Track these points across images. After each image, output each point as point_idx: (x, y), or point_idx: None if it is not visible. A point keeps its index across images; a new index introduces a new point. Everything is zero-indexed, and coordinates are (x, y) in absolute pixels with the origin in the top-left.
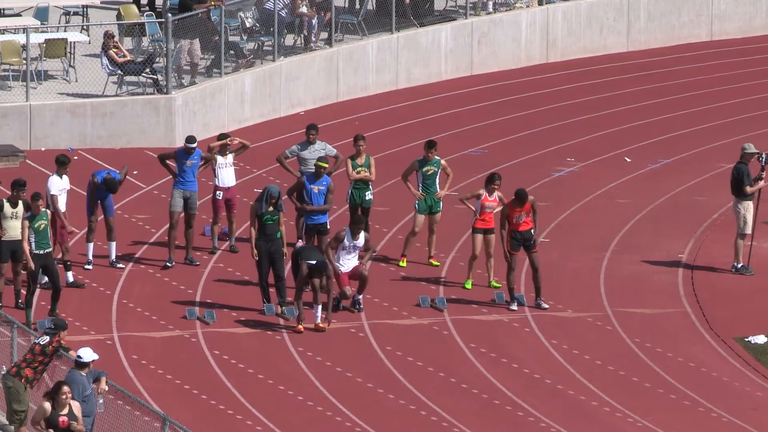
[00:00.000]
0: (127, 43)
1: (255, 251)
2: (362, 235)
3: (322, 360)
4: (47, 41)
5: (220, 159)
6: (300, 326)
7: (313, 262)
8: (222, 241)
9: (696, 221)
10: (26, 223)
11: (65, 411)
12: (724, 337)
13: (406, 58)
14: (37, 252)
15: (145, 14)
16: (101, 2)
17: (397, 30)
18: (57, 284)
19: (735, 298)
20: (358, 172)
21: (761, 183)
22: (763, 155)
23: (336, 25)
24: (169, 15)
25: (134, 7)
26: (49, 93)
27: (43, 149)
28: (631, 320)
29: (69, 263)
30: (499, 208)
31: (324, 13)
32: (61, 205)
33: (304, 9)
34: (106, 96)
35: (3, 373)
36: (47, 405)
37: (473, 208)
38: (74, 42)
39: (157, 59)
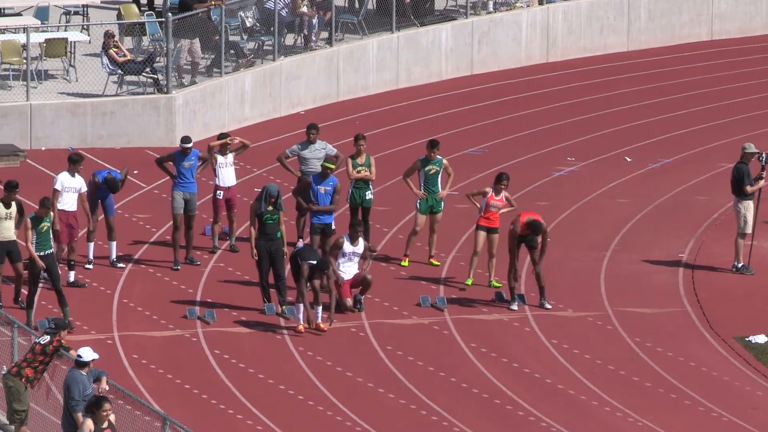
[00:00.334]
0: (128, 42)
1: (255, 251)
2: (361, 241)
3: (322, 360)
4: (47, 41)
5: (220, 158)
6: (300, 326)
7: (314, 262)
8: (222, 241)
9: (696, 221)
10: (29, 223)
11: (106, 425)
12: (725, 336)
13: (407, 58)
14: (37, 253)
15: (145, 14)
16: (101, 2)
17: (397, 29)
18: (57, 286)
19: (735, 298)
20: (359, 172)
21: (761, 182)
22: (764, 155)
23: (336, 24)
24: (170, 14)
25: (134, 7)
26: (50, 92)
27: (43, 149)
28: (631, 320)
29: (72, 263)
30: (505, 209)
31: (324, 13)
32: (72, 206)
33: (304, 9)
34: (107, 95)
35: (4, 372)
36: (89, 422)
37: (478, 206)
38: (74, 41)
39: (158, 59)
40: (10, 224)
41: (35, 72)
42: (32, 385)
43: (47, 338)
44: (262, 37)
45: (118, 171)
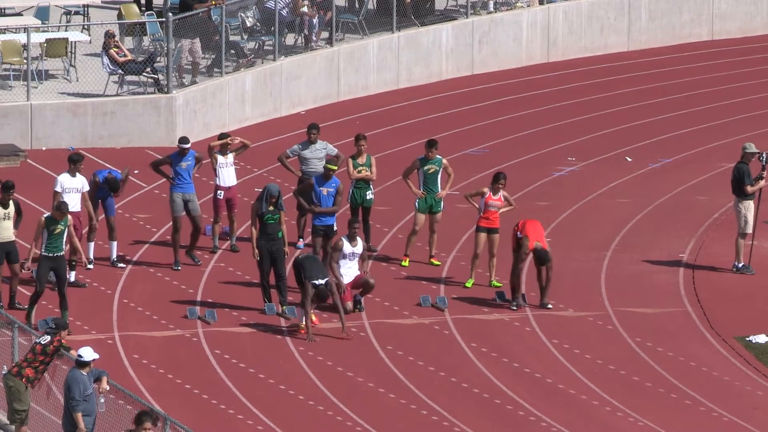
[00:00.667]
0: (128, 42)
1: (256, 251)
2: (360, 240)
3: (323, 360)
4: (48, 41)
5: (220, 158)
6: (302, 329)
7: (318, 282)
8: (223, 241)
9: (697, 221)
10: (42, 222)
11: None
12: (725, 336)
13: (407, 58)
14: (46, 254)
15: (145, 14)
16: (102, 2)
17: (397, 29)
18: (62, 290)
19: (736, 298)
20: (359, 172)
21: (762, 182)
22: (764, 155)
23: (337, 24)
24: (170, 14)
25: (135, 7)
26: (50, 92)
27: (43, 149)
28: (631, 320)
29: (75, 263)
30: (505, 209)
31: (325, 13)
32: (74, 206)
33: (305, 8)
34: (107, 95)
35: (4, 372)
36: None
37: (477, 206)
38: (75, 41)
39: (158, 59)
40: (9, 224)
41: (36, 72)
42: (33, 385)
43: (48, 338)
44: (263, 37)
45: (119, 171)
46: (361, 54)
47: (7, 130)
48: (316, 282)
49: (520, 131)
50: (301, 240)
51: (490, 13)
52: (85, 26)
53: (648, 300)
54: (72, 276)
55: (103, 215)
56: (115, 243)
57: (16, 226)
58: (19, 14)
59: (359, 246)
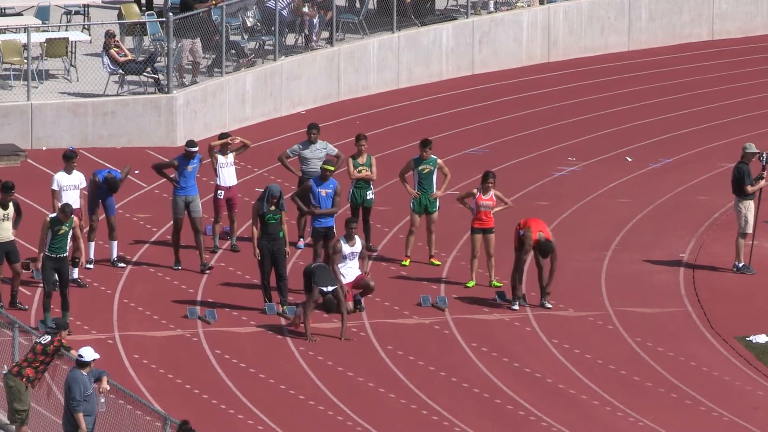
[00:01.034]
0: (129, 42)
1: (257, 251)
2: (358, 240)
3: (323, 359)
4: (48, 40)
5: (221, 158)
6: (298, 324)
7: (327, 289)
8: (223, 241)
9: (697, 221)
10: (47, 223)
11: None
12: (725, 336)
13: (407, 58)
14: (50, 255)
15: (146, 13)
16: (102, 1)
17: (398, 29)
18: (64, 291)
19: (736, 298)
20: (359, 171)
21: (762, 182)
22: (764, 155)
23: (337, 24)
24: (170, 14)
25: (135, 7)
26: (51, 92)
27: (44, 149)
28: (632, 319)
29: (77, 260)
30: (499, 208)
31: (325, 13)
32: (74, 203)
33: (305, 8)
34: (108, 95)
35: (4, 372)
36: None
37: (471, 207)
38: (75, 41)
39: (158, 59)
40: (8, 225)
41: (36, 72)
42: (33, 384)
43: (48, 338)
44: (263, 37)
45: (119, 170)
46: (361, 54)
47: (8, 129)
48: (325, 289)
49: (520, 131)
50: (301, 240)
51: (491, 13)
52: (86, 26)
53: (648, 300)
54: (75, 273)
55: (104, 215)
56: (115, 243)
57: (15, 225)
58: (20, 14)
59: (358, 245)
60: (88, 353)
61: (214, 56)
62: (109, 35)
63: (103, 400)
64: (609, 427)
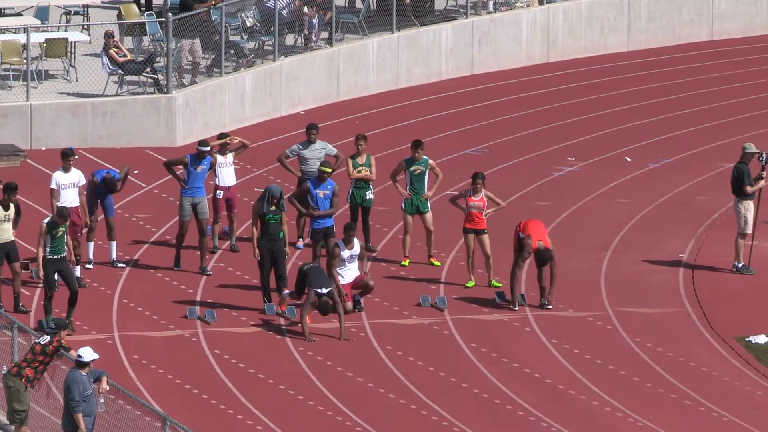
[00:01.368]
0: (128, 42)
1: (257, 251)
2: (356, 242)
3: (323, 360)
4: (48, 41)
5: (220, 158)
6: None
7: (321, 290)
8: (222, 241)
9: (697, 221)
10: (44, 228)
11: None
12: (725, 336)
13: (407, 58)
14: (51, 257)
15: (145, 14)
16: (102, 2)
17: (397, 29)
18: (74, 287)
19: (735, 298)
20: (359, 171)
21: (761, 183)
22: (764, 155)
23: (336, 24)
24: (170, 14)
25: (135, 7)
26: (50, 92)
27: (43, 149)
28: (631, 320)
29: (78, 258)
30: (492, 209)
31: (324, 13)
32: (72, 201)
33: (305, 8)
34: (107, 95)
35: (4, 372)
36: None
37: (463, 208)
38: (75, 41)
39: (158, 59)
40: (9, 226)
41: (35, 72)
42: (32, 385)
43: (47, 338)
44: (263, 37)
45: (117, 171)
46: (360, 54)
47: (7, 130)
48: (320, 291)
49: (519, 131)
50: (300, 240)
51: (490, 13)
52: (85, 26)
53: (648, 300)
54: (77, 271)
55: (103, 215)
56: (114, 243)
57: (14, 225)
58: (19, 14)
59: (356, 248)
60: (88, 353)
61: (213, 56)
62: (108, 35)
63: (102, 400)
64: (608, 428)
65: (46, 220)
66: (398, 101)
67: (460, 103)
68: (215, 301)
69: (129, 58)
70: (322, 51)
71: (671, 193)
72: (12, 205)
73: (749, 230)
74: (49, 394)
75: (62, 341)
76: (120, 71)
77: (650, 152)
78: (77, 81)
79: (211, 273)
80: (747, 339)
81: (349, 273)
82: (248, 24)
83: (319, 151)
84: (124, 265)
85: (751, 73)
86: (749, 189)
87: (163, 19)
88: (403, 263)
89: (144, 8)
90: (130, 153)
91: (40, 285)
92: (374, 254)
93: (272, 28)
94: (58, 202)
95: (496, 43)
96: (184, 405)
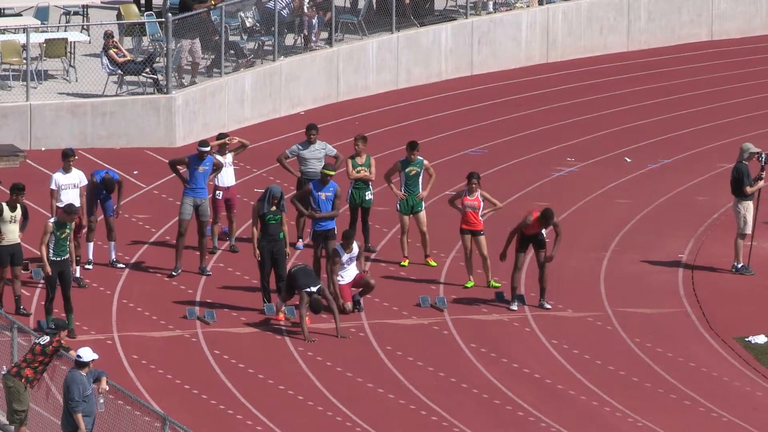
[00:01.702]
0: (127, 42)
1: (257, 251)
2: (355, 245)
3: (322, 360)
4: (47, 41)
5: (219, 159)
6: (280, 316)
7: (311, 289)
8: (222, 241)
9: (696, 221)
10: (49, 227)
11: None
12: (725, 337)
13: (407, 58)
14: (54, 259)
15: (145, 14)
16: (101, 2)
17: (397, 30)
18: (67, 292)
19: (735, 298)
20: (358, 172)
21: (761, 183)
22: (763, 155)
23: (336, 24)
24: (170, 15)
25: (134, 7)
26: (50, 93)
27: (43, 149)
28: (631, 320)
29: (79, 258)
30: (488, 210)
31: (324, 13)
32: (72, 201)
33: (304, 9)
34: (107, 96)
35: (3, 373)
36: None
37: (460, 209)
38: (74, 42)
39: (158, 59)
40: (15, 227)
41: (35, 72)
42: (32, 385)
43: (47, 339)
44: (262, 38)
45: (116, 171)
46: (360, 54)
47: (7, 130)
48: (309, 290)
49: (519, 131)
50: (300, 240)
51: (490, 13)
52: (85, 26)
53: (647, 300)
54: (77, 271)
55: (102, 215)
56: (113, 243)
57: (22, 228)
58: (19, 14)
59: (355, 250)
60: (87, 354)
61: (213, 57)
62: (107, 36)
63: (102, 400)
64: (608, 428)
65: (52, 220)
66: (398, 102)
67: (459, 104)
68: (215, 301)
69: (128, 58)
70: (321, 51)
71: (671, 194)
72: (19, 206)
73: (749, 230)
74: (48, 394)
75: (62, 341)
76: (119, 71)
77: (650, 152)
78: (77, 81)
79: (210, 273)
80: (747, 339)
81: (348, 273)
82: (248, 24)
83: (318, 151)
84: (124, 266)
85: (751, 74)
86: (749, 189)
87: (163, 20)
88: (402, 263)
89: (144, 8)
90: (129, 153)
91: (40, 285)
92: (373, 254)
93: (272, 29)
94: (58, 203)
95: (495, 43)
96: (184, 405)
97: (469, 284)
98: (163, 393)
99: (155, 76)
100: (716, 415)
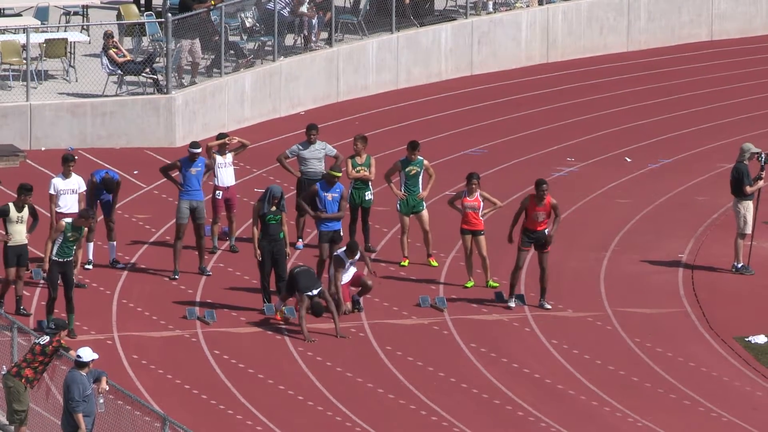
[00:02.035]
0: (127, 42)
1: (258, 251)
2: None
3: (322, 360)
4: (47, 41)
5: (219, 158)
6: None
7: (312, 292)
8: (222, 241)
9: (696, 221)
10: (62, 226)
11: None
12: (724, 336)
13: (407, 58)
14: (56, 259)
15: (145, 14)
16: (101, 2)
17: (397, 30)
18: (69, 293)
19: (735, 298)
20: (358, 172)
21: (761, 183)
22: (763, 155)
23: (336, 24)
24: (169, 15)
25: (134, 7)
26: (49, 93)
27: (43, 149)
28: (631, 320)
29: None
30: (488, 210)
31: (324, 13)
32: (71, 208)
33: (304, 9)
34: (106, 96)
35: (3, 373)
36: None
37: (460, 209)
38: (74, 42)
39: (157, 59)
40: (23, 228)
41: (35, 72)
42: (32, 385)
43: (47, 339)
44: (262, 38)
45: (116, 171)
46: (360, 54)
47: (7, 130)
48: (310, 293)
49: (519, 131)
50: (300, 240)
51: (490, 13)
52: (85, 27)
53: (647, 300)
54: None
55: (102, 215)
56: (114, 243)
57: (30, 230)
58: (19, 14)
59: (356, 255)
60: (87, 354)
61: (213, 57)
62: (107, 36)
63: (102, 400)
64: (608, 428)
65: (67, 219)
66: (398, 102)
67: (459, 104)
68: (215, 301)
69: (128, 58)
70: (321, 51)
71: (671, 194)
72: (26, 207)
73: (749, 230)
74: (48, 394)
75: (62, 341)
76: (119, 72)
77: (650, 152)
78: (77, 81)
79: (210, 273)
80: (746, 339)
81: (347, 274)
82: (248, 24)
83: (318, 151)
84: (124, 266)
85: (751, 74)
86: (749, 189)
87: (163, 20)
88: (402, 263)
89: (143, 8)
90: (129, 153)
91: (41, 285)
92: (374, 254)
93: (272, 29)
94: (57, 208)
95: (495, 43)
96: (184, 405)
97: (469, 284)
98: (163, 393)
99: (155, 76)
100: (716, 415)
